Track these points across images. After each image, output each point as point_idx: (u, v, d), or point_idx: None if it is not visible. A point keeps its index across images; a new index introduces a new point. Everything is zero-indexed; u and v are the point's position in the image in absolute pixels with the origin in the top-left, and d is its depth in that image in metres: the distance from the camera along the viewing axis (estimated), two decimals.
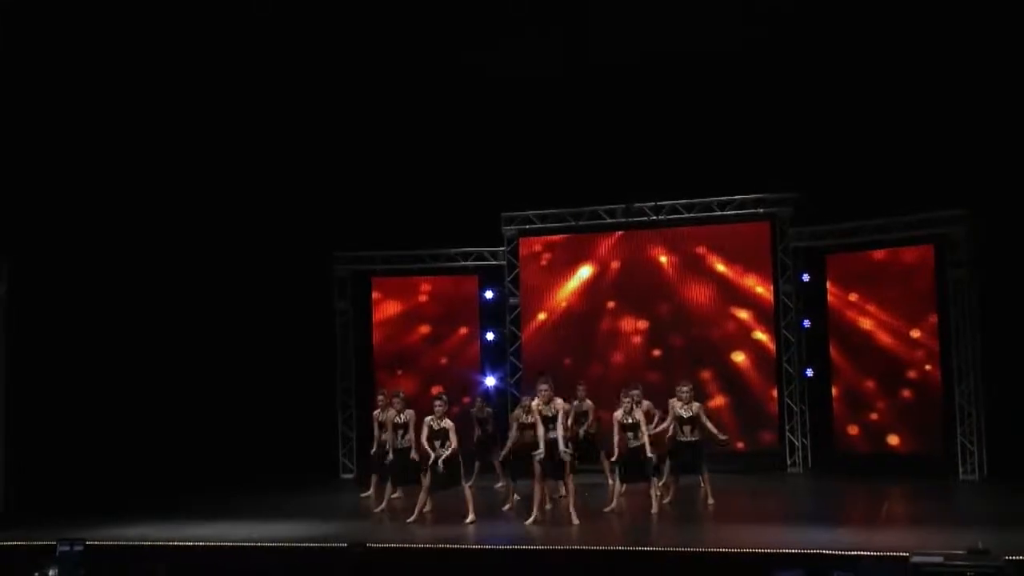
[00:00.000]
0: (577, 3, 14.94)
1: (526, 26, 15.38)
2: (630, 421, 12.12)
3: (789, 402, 16.32)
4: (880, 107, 15.17)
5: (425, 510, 12.50)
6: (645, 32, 15.27)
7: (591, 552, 10.34)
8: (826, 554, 9.37)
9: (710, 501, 12.95)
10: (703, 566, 9.76)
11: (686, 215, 16.98)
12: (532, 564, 10.20)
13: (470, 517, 11.96)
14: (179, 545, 10.85)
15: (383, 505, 13.36)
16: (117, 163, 14.67)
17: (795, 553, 9.53)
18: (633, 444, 12.08)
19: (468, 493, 12.20)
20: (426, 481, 12.25)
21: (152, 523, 12.10)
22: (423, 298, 18.13)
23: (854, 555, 9.21)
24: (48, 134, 13.70)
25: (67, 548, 10.07)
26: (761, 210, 16.53)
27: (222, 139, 15.75)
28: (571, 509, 11.78)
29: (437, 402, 12.21)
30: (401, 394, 13.18)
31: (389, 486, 13.48)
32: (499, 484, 14.16)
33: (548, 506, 12.41)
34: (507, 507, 12.91)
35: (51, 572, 9.83)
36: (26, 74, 13.25)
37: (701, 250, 16.99)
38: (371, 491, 14.10)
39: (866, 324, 15.94)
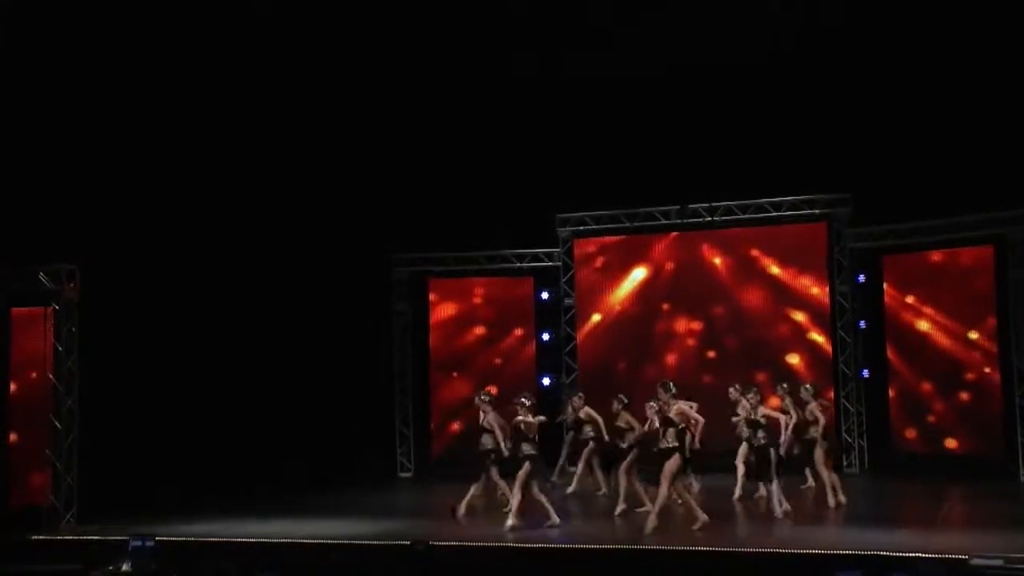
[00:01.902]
0: (646, 8, 14.99)
1: (584, 30, 15.46)
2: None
3: (845, 403, 16.29)
4: (937, 105, 15.04)
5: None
6: (703, 39, 15.28)
7: (646, 551, 10.44)
8: (885, 555, 9.39)
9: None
10: (763, 567, 9.82)
11: (741, 216, 17.00)
12: (598, 564, 10.30)
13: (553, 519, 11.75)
14: (244, 542, 11.10)
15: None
16: (186, 169, 14.97)
17: (853, 554, 9.56)
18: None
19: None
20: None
21: (219, 520, 12.42)
22: (479, 299, 18.32)
23: (913, 556, 9.22)
24: (120, 142, 14.04)
25: (139, 543, 10.34)
26: (816, 211, 16.50)
27: (286, 145, 16.01)
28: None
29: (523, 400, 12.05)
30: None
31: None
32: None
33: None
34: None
35: (124, 566, 10.11)
36: (90, 83, 13.60)
37: (756, 251, 17.01)
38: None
39: (923, 326, 15.87)
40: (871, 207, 16.04)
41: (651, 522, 11.18)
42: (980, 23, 14.26)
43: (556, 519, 11.61)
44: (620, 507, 12.43)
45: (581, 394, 14.74)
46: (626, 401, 12.87)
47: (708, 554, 10.15)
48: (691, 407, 11.56)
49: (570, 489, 14.41)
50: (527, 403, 11.91)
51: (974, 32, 14.38)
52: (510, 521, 11.49)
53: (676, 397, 11.60)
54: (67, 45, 13.22)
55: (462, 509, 12.42)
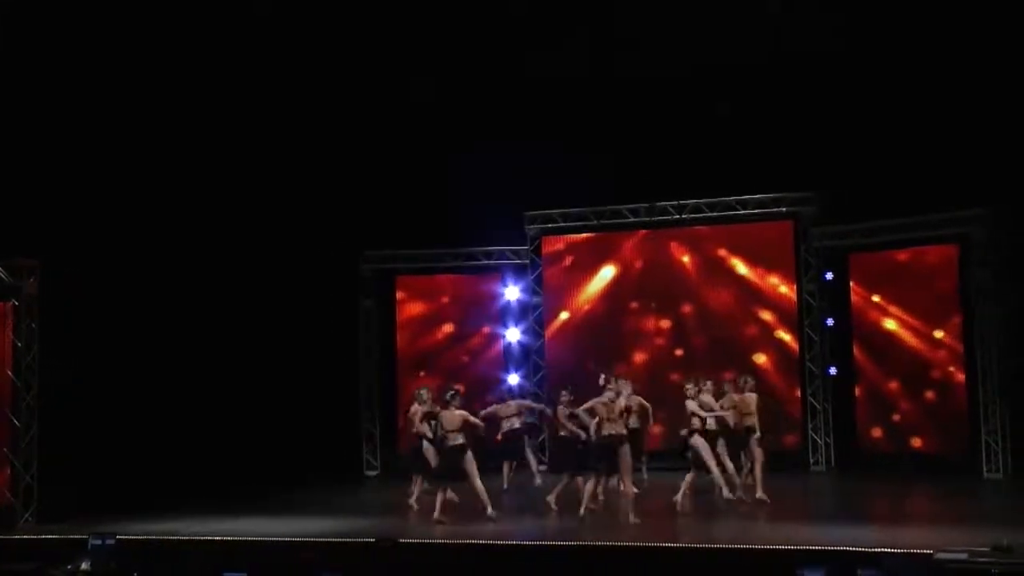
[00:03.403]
0: (607, 10, 14.99)
1: (554, 30, 15.43)
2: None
3: (812, 401, 16.34)
4: (904, 105, 15.12)
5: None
6: (671, 40, 15.29)
7: (611, 548, 10.39)
8: (850, 551, 9.40)
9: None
10: (727, 563, 9.81)
11: (709, 214, 17.03)
12: (558, 560, 10.26)
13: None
14: (206, 540, 10.96)
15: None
16: (145, 166, 14.82)
17: (819, 550, 9.56)
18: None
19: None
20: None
21: (181, 519, 12.25)
22: (446, 297, 18.23)
23: (878, 552, 9.23)
24: (78, 138, 13.86)
25: (99, 542, 10.24)
26: (783, 209, 16.58)
27: (251, 140, 15.87)
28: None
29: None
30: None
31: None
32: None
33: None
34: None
35: (83, 565, 9.98)
36: (54, 80, 13.42)
37: (724, 250, 17.03)
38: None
39: (889, 324, 15.95)
40: (838, 206, 16.12)
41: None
42: (944, 25, 14.32)
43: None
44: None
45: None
46: (571, 398, 12.80)
47: (670, 551, 10.10)
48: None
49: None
50: (567, 397, 12.58)
51: (938, 34, 14.44)
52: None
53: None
54: (24, 40, 13.02)
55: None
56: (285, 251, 16.57)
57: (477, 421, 12.33)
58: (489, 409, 14.35)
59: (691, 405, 12.60)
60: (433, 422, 12.79)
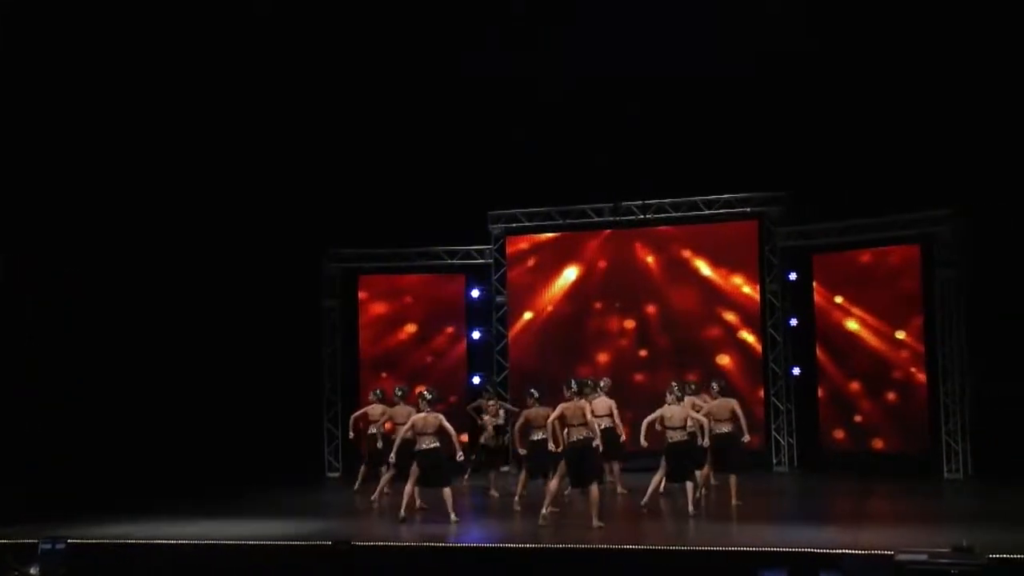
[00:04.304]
0: (571, 11, 14.92)
1: (517, 30, 15.35)
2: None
3: (775, 401, 16.36)
4: (867, 107, 15.18)
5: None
6: (638, 40, 15.25)
7: (574, 551, 10.30)
8: (811, 552, 9.36)
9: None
10: (687, 564, 9.74)
11: (673, 214, 17.00)
12: (515, 562, 10.16)
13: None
14: (162, 544, 10.75)
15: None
16: (109, 160, 14.55)
17: (780, 551, 9.52)
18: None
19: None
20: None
21: (136, 522, 12.01)
22: (410, 297, 18.09)
23: (839, 553, 9.19)
24: (43, 131, 13.58)
25: (49, 546, 9.94)
26: (748, 209, 16.60)
27: (213, 137, 15.64)
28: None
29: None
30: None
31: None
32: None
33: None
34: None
35: (32, 570, 9.72)
36: (19, 71, 13.15)
37: (688, 251, 17.00)
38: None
39: (852, 325, 15.98)
40: (801, 206, 16.14)
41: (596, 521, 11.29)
42: (911, 28, 14.38)
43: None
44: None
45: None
46: (536, 395, 12.70)
47: (631, 553, 10.02)
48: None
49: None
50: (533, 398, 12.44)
51: (905, 37, 14.50)
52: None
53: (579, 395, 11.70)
54: None
55: (403, 511, 12.17)
56: (247, 249, 16.35)
57: (451, 429, 12.06)
58: (475, 403, 14.46)
59: (687, 409, 12.36)
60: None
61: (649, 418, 12.30)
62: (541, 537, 10.96)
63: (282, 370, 16.79)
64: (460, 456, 12.24)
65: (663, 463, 12.49)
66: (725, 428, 12.55)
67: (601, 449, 11.78)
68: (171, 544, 10.73)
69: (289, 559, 10.21)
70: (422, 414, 12.05)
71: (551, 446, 11.91)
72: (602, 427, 12.29)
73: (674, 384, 12.61)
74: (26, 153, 13.37)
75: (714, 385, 13.00)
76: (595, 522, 11.29)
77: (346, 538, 10.15)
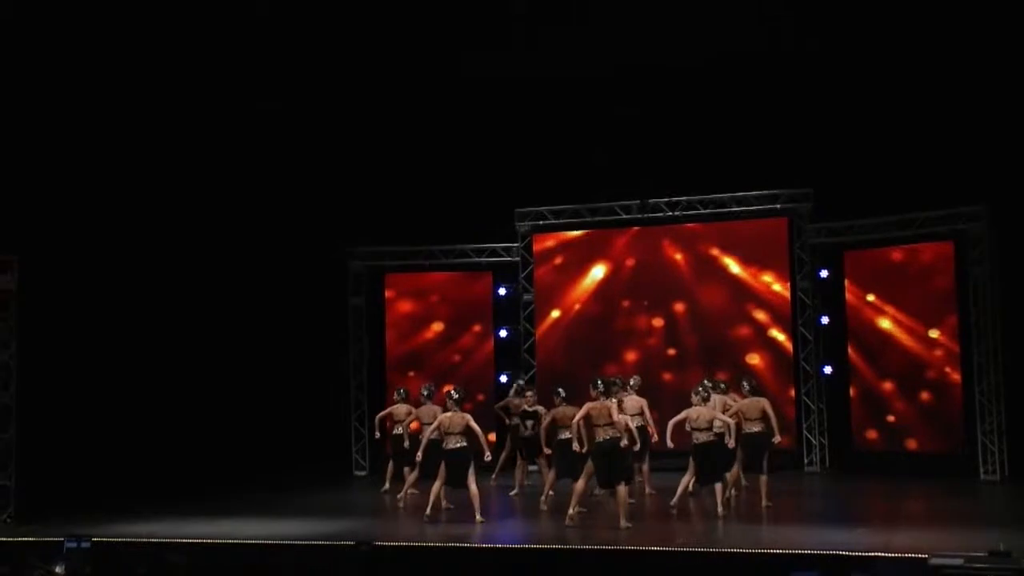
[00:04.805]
0: (593, 5, 14.79)
1: (540, 26, 15.23)
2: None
3: (806, 400, 16.13)
4: (900, 100, 14.94)
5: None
6: (663, 36, 15.09)
7: (600, 552, 10.18)
8: (843, 555, 9.19)
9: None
10: (718, 567, 9.59)
11: (702, 211, 16.80)
12: (540, 563, 10.04)
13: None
14: (186, 542, 10.71)
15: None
16: (132, 160, 14.59)
17: (811, 554, 9.36)
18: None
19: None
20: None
21: (162, 520, 12.01)
22: (436, 295, 17.99)
23: (872, 556, 9.01)
24: (60, 133, 13.62)
25: (74, 544, 9.97)
26: (778, 206, 16.38)
27: (239, 136, 15.65)
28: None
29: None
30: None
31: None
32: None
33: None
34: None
35: (57, 569, 9.70)
36: (35, 73, 13.19)
37: (717, 248, 16.81)
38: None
39: (884, 324, 15.73)
40: (832, 202, 15.90)
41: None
42: (943, 21, 14.12)
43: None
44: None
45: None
46: (563, 395, 12.56)
47: (660, 554, 9.88)
48: None
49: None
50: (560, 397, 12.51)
51: (936, 30, 14.25)
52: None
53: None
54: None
55: (429, 510, 12.09)
56: (272, 247, 16.37)
57: (478, 429, 11.93)
58: (503, 403, 14.46)
59: (713, 410, 12.13)
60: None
61: (675, 419, 12.12)
62: (567, 538, 10.84)
63: (309, 369, 16.80)
64: (488, 456, 12.16)
65: (691, 464, 12.33)
66: (756, 428, 12.34)
67: (636, 446, 11.72)
68: (194, 543, 10.68)
69: (311, 559, 10.13)
70: (449, 413, 11.98)
71: (575, 446, 11.76)
72: (636, 425, 12.23)
73: (699, 386, 12.43)
74: (43, 155, 13.40)
75: (744, 384, 12.80)
76: (622, 523, 11.17)
77: (371, 538, 10.10)
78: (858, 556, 9.12)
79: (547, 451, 12.62)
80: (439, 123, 16.69)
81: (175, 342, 15.13)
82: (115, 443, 13.78)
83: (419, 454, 12.57)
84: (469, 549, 10.47)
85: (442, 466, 12.02)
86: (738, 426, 12.24)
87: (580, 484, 11.69)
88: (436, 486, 12.11)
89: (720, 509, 11.91)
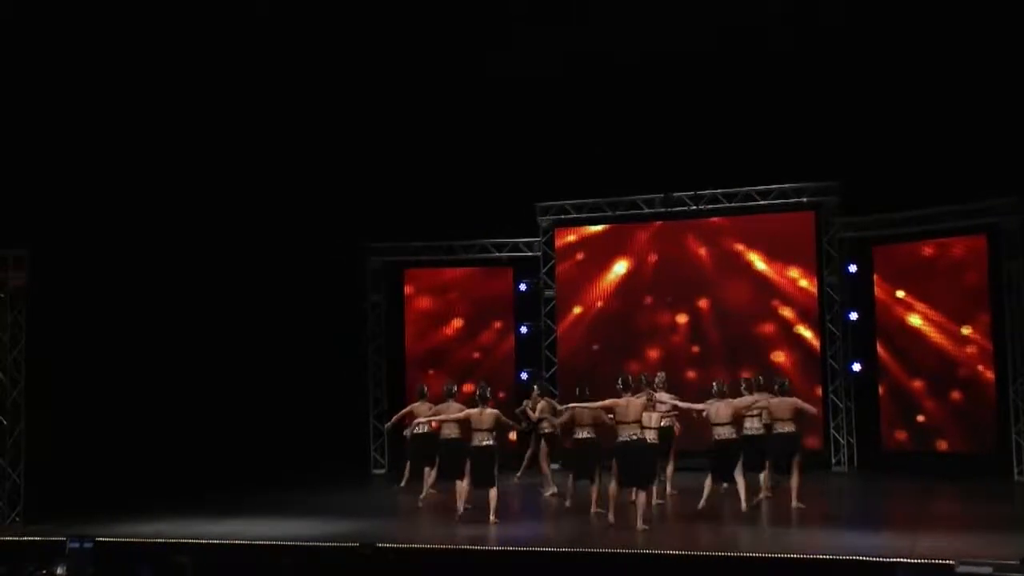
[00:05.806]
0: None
1: (561, 17, 14.95)
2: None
3: (834, 398, 15.73)
4: (929, 90, 14.49)
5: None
6: (686, 25, 14.77)
7: (600, 555, 9.90)
8: (860, 560, 8.83)
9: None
10: (723, 572, 9.31)
11: (727, 204, 16.43)
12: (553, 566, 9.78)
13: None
14: (190, 542, 10.53)
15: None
16: (145, 156, 14.44)
17: (827, 559, 9.03)
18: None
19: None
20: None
21: (169, 520, 11.86)
22: (456, 291, 17.75)
23: (892, 562, 8.64)
24: (71, 127, 13.47)
25: (77, 545, 9.80)
26: (804, 199, 16.00)
27: (255, 130, 15.48)
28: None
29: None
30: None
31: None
32: None
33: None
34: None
35: (59, 570, 9.55)
36: (46, 68, 13.07)
37: (742, 243, 16.44)
38: None
39: (914, 320, 15.31)
40: (861, 196, 15.50)
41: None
42: (973, 11, 13.70)
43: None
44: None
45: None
46: (587, 392, 12.26)
47: (677, 558, 9.58)
48: None
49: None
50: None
51: (966, 19, 13.83)
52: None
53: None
54: (13, 30, 12.68)
55: (459, 509, 11.90)
56: (290, 242, 16.18)
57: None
58: (522, 407, 14.16)
59: (732, 406, 11.88)
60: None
61: (692, 405, 11.95)
62: (581, 540, 10.58)
63: (327, 366, 16.59)
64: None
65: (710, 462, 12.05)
66: (788, 428, 11.98)
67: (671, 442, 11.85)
68: (199, 543, 10.50)
69: (316, 559, 9.91)
70: (477, 409, 11.79)
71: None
72: (663, 424, 12.07)
73: (717, 382, 12.27)
74: (55, 149, 13.27)
75: (775, 383, 12.45)
76: (640, 525, 10.88)
77: (380, 539, 9.91)
78: (878, 562, 8.74)
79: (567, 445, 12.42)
80: (459, 117, 16.45)
81: (190, 339, 14.94)
82: (127, 442, 13.60)
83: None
84: (478, 552, 10.19)
85: (467, 464, 11.81)
86: (768, 426, 12.00)
87: (612, 488, 11.29)
88: (464, 484, 11.89)
89: (744, 505, 11.70)
